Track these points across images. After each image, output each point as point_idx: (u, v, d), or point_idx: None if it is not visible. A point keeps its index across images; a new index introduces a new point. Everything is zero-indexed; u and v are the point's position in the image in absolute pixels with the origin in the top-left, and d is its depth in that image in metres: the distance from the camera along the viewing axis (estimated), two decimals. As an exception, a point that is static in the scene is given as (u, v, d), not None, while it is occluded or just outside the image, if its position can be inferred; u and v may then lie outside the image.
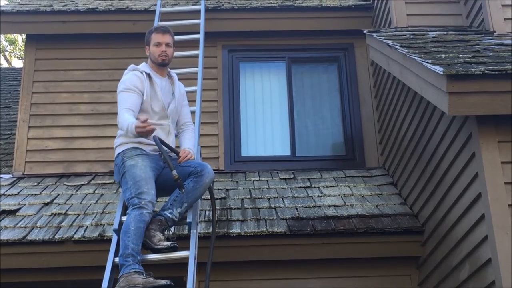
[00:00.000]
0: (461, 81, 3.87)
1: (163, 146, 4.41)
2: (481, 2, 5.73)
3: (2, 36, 20.73)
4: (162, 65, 4.74)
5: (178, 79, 4.98)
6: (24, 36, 13.75)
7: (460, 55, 4.44)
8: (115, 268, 4.12)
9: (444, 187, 4.70)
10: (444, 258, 4.77)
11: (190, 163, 4.47)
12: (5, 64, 21.43)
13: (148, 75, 4.62)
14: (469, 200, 4.22)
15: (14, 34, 20.10)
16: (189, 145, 4.72)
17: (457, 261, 4.50)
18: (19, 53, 21.31)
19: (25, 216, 5.54)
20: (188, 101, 5.06)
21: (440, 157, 4.76)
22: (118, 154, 4.52)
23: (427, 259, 5.18)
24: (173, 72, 4.92)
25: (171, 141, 4.63)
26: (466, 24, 6.03)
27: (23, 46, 18.44)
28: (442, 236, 4.79)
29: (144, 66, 4.74)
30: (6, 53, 22.01)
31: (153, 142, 4.38)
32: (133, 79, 4.57)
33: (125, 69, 4.77)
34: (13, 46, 21.74)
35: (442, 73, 3.89)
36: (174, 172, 4.21)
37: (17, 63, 21.57)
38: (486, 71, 3.87)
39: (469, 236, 4.27)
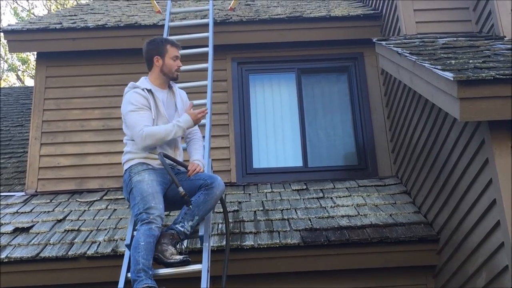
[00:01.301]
0: (472, 87, 3.83)
1: (170, 161, 4.41)
2: (491, 8, 5.69)
3: (15, 55, 20.94)
4: (173, 80, 4.72)
5: (186, 92, 4.97)
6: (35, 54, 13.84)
7: (470, 61, 4.39)
8: (128, 283, 4.10)
9: (458, 194, 4.65)
10: (460, 267, 4.71)
11: (200, 175, 4.43)
12: (17, 84, 21.63)
13: (149, 91, 4.54)
14: (483, 207, 4.16)
15: (27, 53, 20.28)
16: (198, 156, 4.66)
17: (473, 269, 4.44)
18: (31, 73, 21.47)
19: (38, 233, 5.55)
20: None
21: (453, 164, 4.71)
22: (126, 170, 4.50)
23: (443, 267, 5.12)
24: (173, 82, 4.83)
25: (178, 154, 4.60)
26: (476, 30, 5.99)
27: (35, 65, 18.56)
28: (457, 244, 4.73)
29: (144, 83, 4.63)
30: (19, 73, 22.21)
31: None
32: (138, 98, 4.49)
33: (135, 84, 4.75)
34: (26, 65, 21.93)
35: (452, 79, 3.85)
36: (180, 189, 4.20)
37: (30, 82, 21.75)
38: (497, 76, 3.83)
39: (485, 244, 4.21)
